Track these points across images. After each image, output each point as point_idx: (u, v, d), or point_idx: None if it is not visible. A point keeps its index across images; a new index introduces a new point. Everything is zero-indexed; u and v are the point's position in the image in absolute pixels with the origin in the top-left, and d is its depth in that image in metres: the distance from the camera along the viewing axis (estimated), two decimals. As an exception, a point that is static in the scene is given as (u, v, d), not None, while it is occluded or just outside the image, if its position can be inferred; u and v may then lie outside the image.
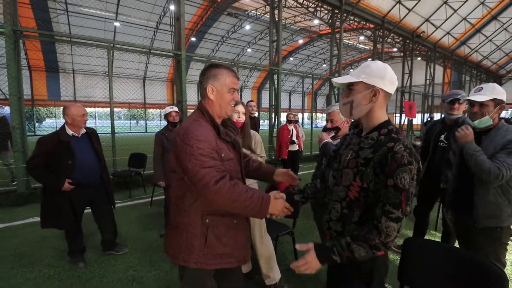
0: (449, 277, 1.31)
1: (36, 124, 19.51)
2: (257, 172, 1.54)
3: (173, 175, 1.27)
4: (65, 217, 2.42)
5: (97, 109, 22.69)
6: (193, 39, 20.34)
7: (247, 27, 19.55)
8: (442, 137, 2.60)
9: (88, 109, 25.25)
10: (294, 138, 5.44)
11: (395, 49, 17.14)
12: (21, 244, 3.01)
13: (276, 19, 7.98)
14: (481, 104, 1.66)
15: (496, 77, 25.30)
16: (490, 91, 1.65)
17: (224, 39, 21.60)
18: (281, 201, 1.25)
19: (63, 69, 19.04)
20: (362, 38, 18.23)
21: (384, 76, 1.08)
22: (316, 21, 12.73)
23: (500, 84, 25.99)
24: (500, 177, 1.58)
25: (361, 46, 23.84)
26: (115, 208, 2.87)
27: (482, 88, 1.71)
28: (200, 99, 1.33)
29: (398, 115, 13.67)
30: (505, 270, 1.54)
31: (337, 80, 1.18)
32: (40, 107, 21.00)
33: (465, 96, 2.52)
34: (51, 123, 21.97)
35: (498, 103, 1.64)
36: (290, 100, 32.02)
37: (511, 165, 1.58)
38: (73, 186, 2.38)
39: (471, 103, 1.71)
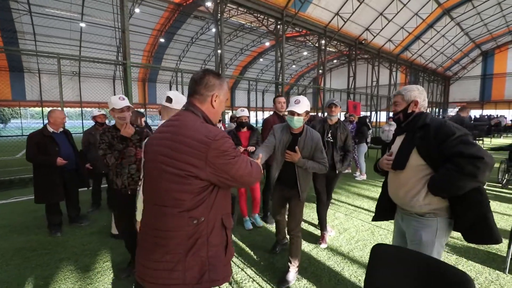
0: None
1: (1, 125, 19.13)
2: None
3: (186, 187, 1.07)
4: (57, 191, 3.27)
5: (65, 108, 22.64)
6: (162, 40, 20.92)
7: (214, 29, 20.41)
8: (329, 134, 3.19)
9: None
10: None
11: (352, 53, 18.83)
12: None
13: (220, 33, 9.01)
14: (298, 113, 2.27)
15: (445, 78, 27.88)
16: (305, 105, 2.28)
17: (194, 40, 22.33)
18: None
19: (28, 69, 18.96)
20: (323, 42, 19.74)
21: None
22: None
23: (449, 84, 28.70)
24: (327, 166, 2.37)
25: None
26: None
27: (300, 101, 2.26)
28: (194, 102, 1.25)
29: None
30: None
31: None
32: (4, 108, 20.71)
33: (339, 102, 3.34)
34: (17, 124, 21.65)
35: (308, 113, 2.31)
36: (249, 99, 33.38)
37: (325, 157, 2.37)
38: (65, 161, 3.19)
39: (291, 112, 2.27)
